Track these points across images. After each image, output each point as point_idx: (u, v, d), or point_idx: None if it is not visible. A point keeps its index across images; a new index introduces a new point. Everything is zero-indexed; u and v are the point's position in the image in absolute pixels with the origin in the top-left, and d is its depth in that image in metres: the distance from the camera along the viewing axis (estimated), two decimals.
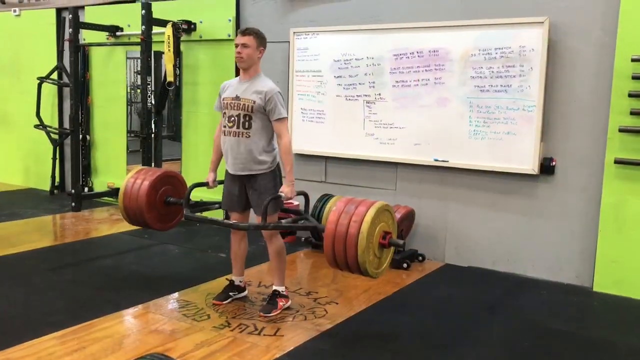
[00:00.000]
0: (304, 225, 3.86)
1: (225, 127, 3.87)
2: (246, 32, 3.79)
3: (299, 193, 3.95)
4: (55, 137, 7.72)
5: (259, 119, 3.77)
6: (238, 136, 3.80)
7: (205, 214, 4.26)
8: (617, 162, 4.43)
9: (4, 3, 8.34)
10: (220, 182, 4.07)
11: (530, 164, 4.79)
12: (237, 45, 3.76)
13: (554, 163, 4.79)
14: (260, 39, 3.81)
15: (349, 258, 3.37)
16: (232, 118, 3.82)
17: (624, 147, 4.42)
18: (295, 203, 5.75)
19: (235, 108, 3.80)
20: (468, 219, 5.21)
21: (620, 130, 4.40)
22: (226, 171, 3.96)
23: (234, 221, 3.98)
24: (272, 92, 3.73)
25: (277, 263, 3.97)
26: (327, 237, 3.43)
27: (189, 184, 6.67)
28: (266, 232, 3.89)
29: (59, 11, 7.79)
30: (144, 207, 4.21)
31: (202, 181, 4.09)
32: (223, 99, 3.89)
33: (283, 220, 3.88)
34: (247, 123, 3.78)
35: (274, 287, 4.00)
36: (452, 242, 5.30)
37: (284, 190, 3.74)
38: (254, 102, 3.75)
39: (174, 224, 4.45)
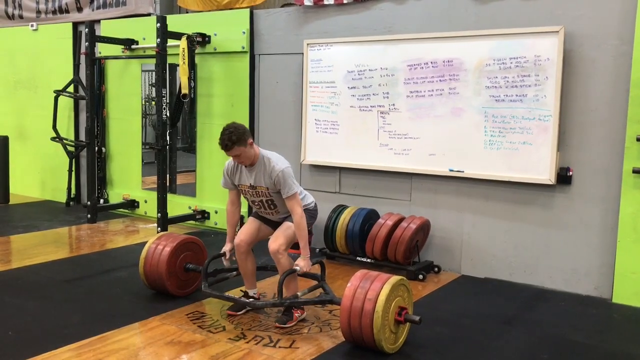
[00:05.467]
0: (320, 300, 3.90)
1: (253, 206, 4.11)
2: (227, 147, 3.74)
3: (316, 262, 4.02)
4: (72, 149, 7.79)
5: (280, 197, 3.90)
6: (269, 215, 4.07)
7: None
8: (635, 171, 4.38)
9: (21, 18, 8.47)
10: None
11: (546, 174, 4.75)
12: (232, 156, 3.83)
13: (570, 173, 4.74)
14: (242, 138, 3.75)
15: (364, 335, 3.40)
16: (257, 203, 4.02)
17: None
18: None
19: (255, 195, 3.97)
20: (484, 230, 5.17)
21: (638, 140, 4.34)
22: None
23: (251, 300, 4.09)
24: (277, 172, 3.80)
25: (289, 280, 3.94)
26: (342, 312, 3.46)
27: (203, 193, 6.72)
28: (273, 253, 3.87)
29: (76, 25, 7.90)
30: (164, 274, 4.27)
31: (219, 252, 4.16)
32: (239, 185, 4.01)
33: (299, 293, 3.93)
34: (271, 205, 3.97)
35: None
36: (468, 253, 5.25)
37: (300, 264, 3.83)
38: (268, 187, 3.88)
39: (192, 290, 4.49)
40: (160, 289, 4.37)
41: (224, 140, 3.74)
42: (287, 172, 3.81)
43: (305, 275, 3.96)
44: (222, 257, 4.14)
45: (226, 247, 4.13)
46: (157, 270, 4.29)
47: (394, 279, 3.48)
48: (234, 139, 3.72)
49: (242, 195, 4.12)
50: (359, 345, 3.51)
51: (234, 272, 4.35)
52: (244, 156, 3.79)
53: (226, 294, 4.15)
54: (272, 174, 3.81)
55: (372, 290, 3.40)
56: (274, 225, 4.07)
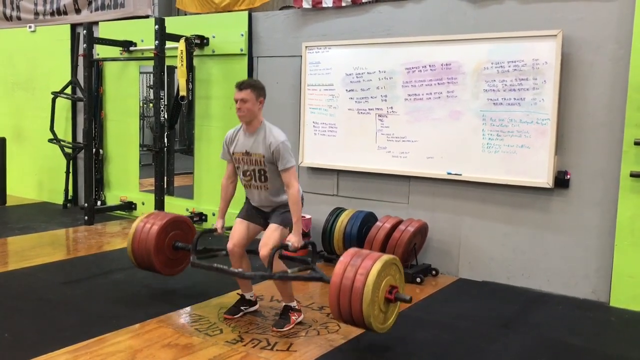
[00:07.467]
0: (310, 277, 3.84)
1: (243, 180, 3.96)
2: (242, 86, 3.74)
3: (307, 243, 3.95)
4: (69, 151, 7.78)
5: (272, 169, 3.83)
6: (258, 189, 3.92)
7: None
8: (633, 175, 4.39)
9: (19, 19, 8.46)
10: (229, 229, 4.08)
11: (544, 178, 4.75)
12: (236, 101, 3.76)
13: (568, 176, 4.75)
14: (258, 90, 3.77)
15: (353, 312, 3.33)
16: (248, 173, 3.92)
17: None
18: (308, 216, 5.75)
19: (248, 163, 3.89)
20: (482, 233, 5.17)
21: (636, 143, 4.35)
22: (247, 198, 4.06)
23: (240, 269, 3.93)
24: (277, 142, 3.74)
25: (282, 283, 3.90)
26: (332, 289, 3.41)
27: (200, 196, 6.71)
28: (264, 259, 3.79)
29: (74, 27, 7.89)
30: (152, 251, 4.22)
31: (210, 227, 4.10)
32: (233, 154, 3.95)
33: (289, 270, 3.86)
34: (262, 177, 3.87)
35: (285, 303, 3.98)
36: (465, 256, 5.25)
37: (291, 239, 3.76)
38: (264, 155, 3.80)
39: (181, 269, 4.46)
40: (148, 266, 4.30)
41: (243, 80, 3.80)
42: (287, 145, 3.77)
43: (296, 259, 3.86)
44: (214, 232, 4.06)
45: (218, 224, 4.07)
46: (145, 247, 4.22)
47: (386, 257, 3.41)
48: (253, 83, 3.79)
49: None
50: (347, 323, 3.44)
51: (224, 252, 4.19)
52: (248, 107, 3.72)
53: (215, 265, 3.97)
54: (273, 143, 3.74)
55: (363, 267, 3.32)
56: (262, 221, 3.98)
